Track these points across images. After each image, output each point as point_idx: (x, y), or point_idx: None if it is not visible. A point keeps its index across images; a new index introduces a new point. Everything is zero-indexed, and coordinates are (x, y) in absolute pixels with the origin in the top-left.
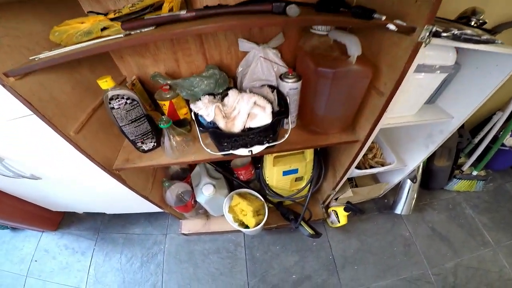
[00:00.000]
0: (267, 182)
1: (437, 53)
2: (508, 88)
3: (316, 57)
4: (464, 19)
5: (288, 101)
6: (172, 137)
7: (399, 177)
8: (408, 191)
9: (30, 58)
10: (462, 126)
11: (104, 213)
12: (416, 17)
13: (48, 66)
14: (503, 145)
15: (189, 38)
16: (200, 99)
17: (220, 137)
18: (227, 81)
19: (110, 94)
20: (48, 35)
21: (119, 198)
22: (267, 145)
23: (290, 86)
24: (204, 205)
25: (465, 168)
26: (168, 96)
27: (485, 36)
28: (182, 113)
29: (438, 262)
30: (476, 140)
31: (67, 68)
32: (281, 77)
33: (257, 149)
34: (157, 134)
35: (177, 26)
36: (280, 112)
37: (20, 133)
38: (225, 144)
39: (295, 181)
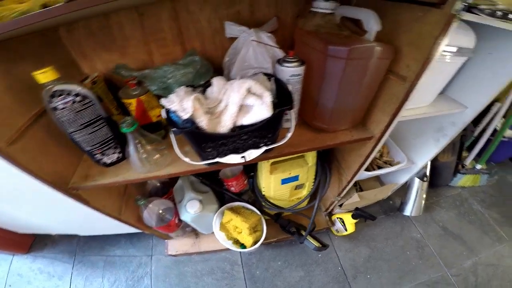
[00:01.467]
0: (264, 193)
1: (457, 34)
2: None
3: (323, 36)
4: None
5: (291, 90)
6: (140, 145)
7: (407, 176)
8: (418, 191)
9: None
10: None
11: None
12: None
13: None
14: (503, 136)
15: (164, 26)
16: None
17: (201, 140)
18: (211, 70)
19: (51, 89)
20: None
21: (91, 219)
22: (265, 148)
23: (291, 72)
24: (191, 223)
25: (468, 162)
26: (135, 93)
27: None
28: (154, 114)
29: (456, 263)
30: (476, 132)
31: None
32: (280, 61)
33: (252, 154)
34: (121, 142)
35: None
36: (282, 102)
37: None
38: (209, 150)
39: (295, 189)
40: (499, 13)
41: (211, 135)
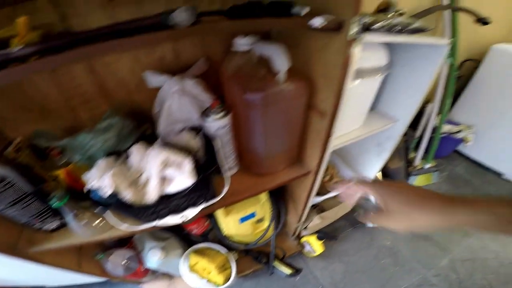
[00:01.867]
0: (225, 234)
1: (369, 53)
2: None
3: (240, 80)
4: (383, 12)
5: (218, 145)
6: (77, 213)
7: None
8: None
9: None
10: None
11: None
12: (343, 6)
13: None
14: (441, 132)
15: (81, 80)
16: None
17: (131, 213)
18: (135, 132)
19: None
20: None
21: (56, 272)
22: (203, 205)
23: (217, 125)
24: (158, 269)
25: (417, 162)
26: (60, 163)
27: (416, 24)
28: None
29: (432, 263)
30: (417, 134)
31: None
32: (204, 114)
33: (191, 212)
34: (59, 211)
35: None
36: (207, 164)
37: None
38: (143, 217)
39: (257, 223)
40: (397, 27)
41: (138, 208)
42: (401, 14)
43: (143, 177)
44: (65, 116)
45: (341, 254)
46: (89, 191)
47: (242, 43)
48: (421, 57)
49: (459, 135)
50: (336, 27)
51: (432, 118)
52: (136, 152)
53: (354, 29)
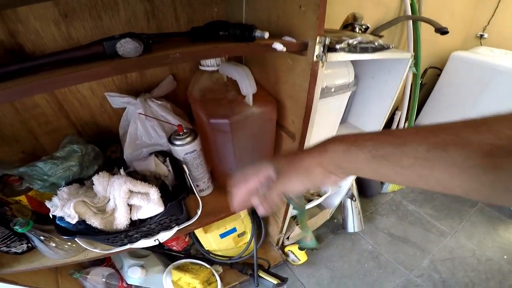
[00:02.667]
0: (207, 249)
1: (335, 70)
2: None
3: (208, 104)
4: (349, 26)
5: (187, 170)
6: (44, 237)
7: (339, 198)
8: (352, 209)
9: None
10: None
11: None
12: (305, 28)
13: None
14: None
15: (38, 101)
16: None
17: (101, 239)
18: (100, 156)
19: None
20: None
21: None
22: (176, 228)
23: (184, 150)
24: (140, 285)
25: None
26: (20, 189)
27: (379, 42)
28: None
29: (414, 264)
30: None
31: None
32: (171, 139)
33: (165, 236)
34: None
35: None
36: (177, 190)
37: None
38: (116, 241)
39: (239, 237)
40: (361, 45)
41: (108, 233)
42: (365, 29)
43: (110, 204)
44: (23, 139)
45: (326, 260)
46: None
47: (208, 64)
48: (386, 70)
49: None
50: (300, 49)
51: (400, 125)
52: (98, 183)
53: (317, 50)
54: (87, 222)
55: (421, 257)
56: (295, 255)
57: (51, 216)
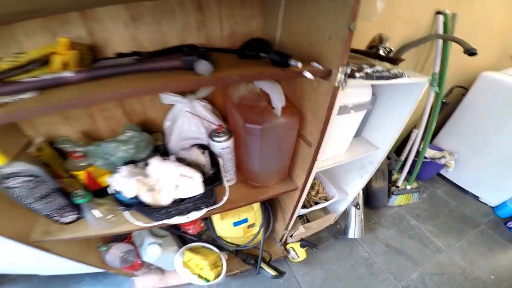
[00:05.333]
0: (219, 235)
1: (354, 90)
2: (418, 107)
3: (243, 110)
4: (373, 48)
5: (222, 162)
6: (94, 209)
7: (345, 205)
8: (355, 217)
9: None
10: None
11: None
12: (331, 57)
13: None
14: (425, 157)
15: None
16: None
17: (147, 212)
18: (151, 143)
19: (2, 172)
20: None
21: (52, 261)
22: (206, 210)
23: (221, 146)
24: (154, 263)
25: (400, 183)
26: (81, 164)
27: (394, 71)
28: (104, 180)
29: (403, 275)
30: (403, 157)
31: None
32: (211, 136)
33: (195, 215)
34: (78, 206)
35: (65, 91)
36: (212, 178)
37: None
38: (156, 215)
39: (248, 228)
40: (377, 74)
41: (155, 208)
42: (389, 52)
43: (160, 184)
44: (83, 121)
45: (323, 262)
46: (107, 191)
47: None
48: (401, 92)
49: (442, 161)
50: (325, 75)
51: (416, 143)
52: (154, 164)
53: (339, 77)
54: (138, 198)
55: (412, 269)
56: (296, 253)
57: (108, 191)
